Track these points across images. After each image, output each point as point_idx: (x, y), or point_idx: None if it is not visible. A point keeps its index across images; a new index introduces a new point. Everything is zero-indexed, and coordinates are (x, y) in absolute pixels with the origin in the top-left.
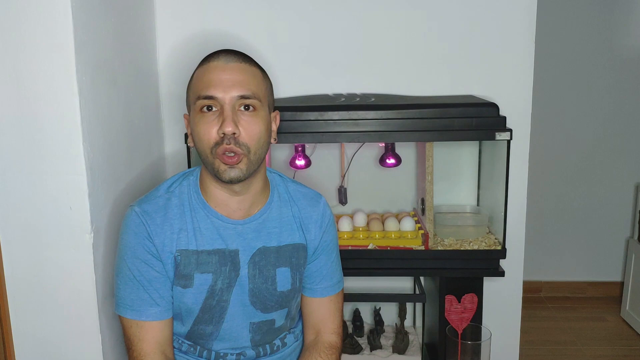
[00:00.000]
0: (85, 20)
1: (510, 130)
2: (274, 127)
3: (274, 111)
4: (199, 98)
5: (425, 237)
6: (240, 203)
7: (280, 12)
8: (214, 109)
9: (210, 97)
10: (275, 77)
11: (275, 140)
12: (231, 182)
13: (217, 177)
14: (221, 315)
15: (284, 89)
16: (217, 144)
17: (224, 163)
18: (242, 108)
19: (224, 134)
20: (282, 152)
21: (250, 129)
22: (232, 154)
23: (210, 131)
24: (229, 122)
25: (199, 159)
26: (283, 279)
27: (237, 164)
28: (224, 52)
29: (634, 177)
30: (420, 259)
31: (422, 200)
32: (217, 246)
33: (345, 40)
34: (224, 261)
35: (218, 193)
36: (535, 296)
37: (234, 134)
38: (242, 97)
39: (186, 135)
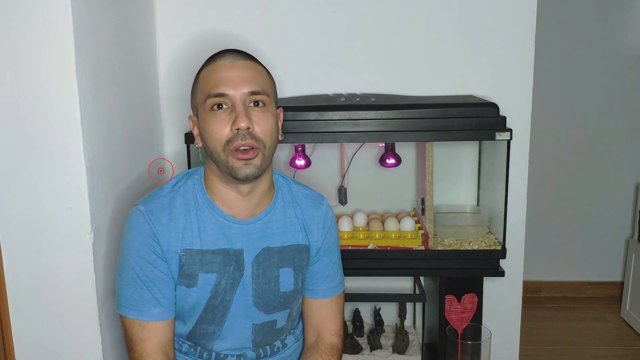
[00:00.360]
0: (85, 20)
1: (510, 130)
2: (279, 124)
3: (277, 108)
4: (209, 97)
5: (425, 237)
6: (246, 203)
7: (280, 12)
8: (224, 106)
9: (221, 95)
10: (276, 78)
11: (282, 136)
12: (247, 179)
13: (232, 175)
14: (224, 314)
15: (284, 89)
16: (230, 140)
17: (239, 159)
18: (252, 104)
19: (237, 129)
20: (282, 152)
21: (262, 123)
22: (248, 149)
23: (222, 129)
24: (243, 117)
25: (202, 159)
26: (286, 279)
27: (253, 158)
28: (230, 51)
29: (634, 177)
30: (420, 259)
31: (422, 200)
32: (222, 246)
33: (345, 40)
34: (228, 261)
35: (225, 193)
36: (535, 296)
37: (248, 128)
38: (253, 93)
39: (186, 135)
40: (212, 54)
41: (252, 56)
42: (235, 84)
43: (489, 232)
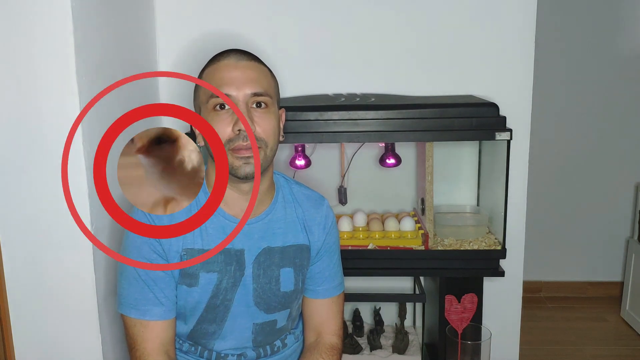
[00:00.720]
0: (85, 21)
1: (510, 130)
2: (281, 125)
3: (279, 109)
4: (212, 96)
5: (425, 237)
6: (247, 202)
7: (280, 12)
8: (226, 107)
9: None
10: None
11: (283, 137)
12: (247, 177)
13: (232, 173)
14: (224, 314)
15: (284, 89)
16: (232, 140)
17: (239, 157)
18: (254, 105)
19: (239, 130)
20: (282, 152)
21: (264, 124)
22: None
23: (225, 129)
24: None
25: (204, 159)
26: (286, 279)
27: (253, 157)
28: (233, 51)
29: (634, 177)
30: (420, 259)
31: (422, 200)
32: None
33: (345, 41)
34: (229, 260)
35: (227, 192)
36: (535, 296)
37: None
38: (255, 94)
39: (186, 135)
40: (214, 53)
41: (256, 57)
42: (239, 85)
43: (489, 232)
